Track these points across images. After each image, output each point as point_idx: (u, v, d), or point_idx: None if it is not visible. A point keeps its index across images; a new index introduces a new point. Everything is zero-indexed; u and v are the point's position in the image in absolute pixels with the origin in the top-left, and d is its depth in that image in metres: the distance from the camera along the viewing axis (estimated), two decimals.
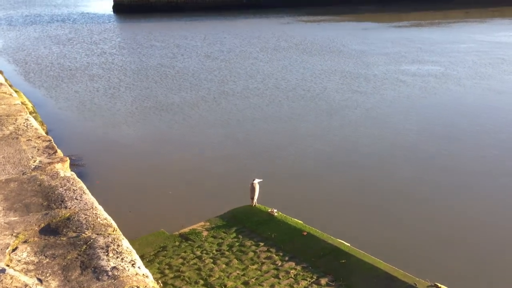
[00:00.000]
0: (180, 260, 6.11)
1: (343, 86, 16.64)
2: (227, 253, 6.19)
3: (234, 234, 6.62)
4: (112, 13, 39.60)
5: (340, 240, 6.41)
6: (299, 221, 6.85)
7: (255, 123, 13.54)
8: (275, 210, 7.05)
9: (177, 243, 6.52)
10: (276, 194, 8.85)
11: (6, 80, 10.43)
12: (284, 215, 6.98)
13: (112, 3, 40.43)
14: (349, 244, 6.36)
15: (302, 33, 27.41)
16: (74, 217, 3.72)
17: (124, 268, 3.11)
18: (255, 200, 7.17)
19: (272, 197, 8.17)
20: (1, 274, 3.03)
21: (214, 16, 35.08)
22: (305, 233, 6.48)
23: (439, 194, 9.34)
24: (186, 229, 6.86)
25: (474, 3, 35.40)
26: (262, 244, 6.35)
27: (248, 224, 6.81)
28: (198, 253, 6.24)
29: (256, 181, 7.20)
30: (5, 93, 7.33)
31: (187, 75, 19.07)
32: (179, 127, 13.50)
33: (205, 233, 6.68)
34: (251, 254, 6.14)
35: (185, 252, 6.29)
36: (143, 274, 3.12)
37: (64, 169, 4.68)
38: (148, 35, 28.88)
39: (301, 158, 11.18)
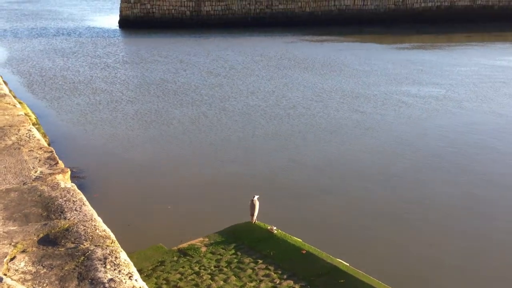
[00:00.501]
0: (178, 276, 6.07)
1: (343, 105, 16.71)
2: (225, 269, 6.16)
3: (233, 251, 6.59)
4: (117, 27, 39.94)
5: (339, 260, 6.38)
6: (299, 239, 6.83)
7: (255, 140, 13.57)
8: (275, 228, 7.03)
9: (175, 258, 6.48)
10: (276, 212, 8.83)
11: (10, 91, 10.51)
12: (284, 233, 6.96)
13: (118, 18, 40.80)
14: (348, 264, 6.32)
15: (305, 52, 27.61)
16: (73, 228, 3.72)
17: (121, 281, 3.10)
18: (255, 217, 7.16)
19: (271, 214, 8.15)
20: None
21: (219, 33, 35.36)
22: (304, 252, 6.45)
23: (439, 215, 9.31)
24: (185, 244, 6.83)
25: (477, 28, 35.67)
26: (260, 261, 6.31)
27: (247, 241, 6.78)
28: (196, 268, 6.20)
29: (256, 197, 7.19)
30: (9, 103, 7.37)
31: (189, 91, 19.17)
32: (179, 142, 13.53)
33: (203, 249, 6.65)
34: (249, 271, 6.11)
35: (183, 267, 6.25)
36: (140, 287, 3.10)
37: (64, 180, 4.68)
38: (152, 50, 29.11)
39: (301, 176, 11.17)
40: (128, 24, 39.21)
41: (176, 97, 18.23)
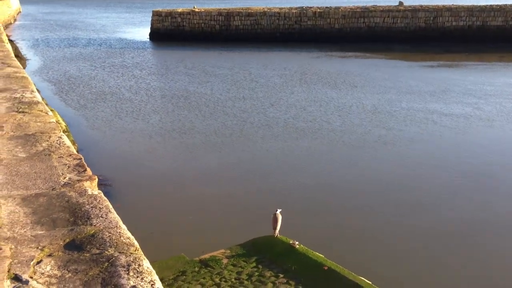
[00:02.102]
0: (199, 286, 6.09)
1: (364, 121, 16.57)
2: (246, 282, 6.14)
3: (254, 264, 6.57)
4: (148, 39, 40.67)
5: (361, 277, 6.29)
6: (321, 255, 6.77)
7: (277, 153, 13.55)
8: (297, 242, 6.99)
9: (196, 269, 6.50)
10: (298, 226, 8.78)
11: (42, 98, 10.79)
12: (306, 247, 6.91)
13: (149, 31, 41.58)
14: (370, 282, 6.23)
15: (329, 67, 27.58)
16: (98, 234, 3.77)
17: None
18: (277, 230, 7.14)
19: (294, 229, 8.11)
20: (24, 285, 3.08)
21: (246, 47, 35.64)
22: (326, 268, 6.38)
23: (465, 233, 9.10)
24: (206, 255, 6.85)
25: (510, 48, 35.00)
26: (281, 275, 6.27)
27: (269, 255, 6.76)
28: (217, 280, 6.20)
29: (279, 211, 7.18)
30: (41, 111, 7.55)
31: (211, 101, 19.37)
32: (201, 152, 13.62)
33: (225, 261, 6.65)
34: (270, 285, 6.07)
35: (204, 278, 6.26)
36: None
37: (92, 187, 4.75)
38: (178, 62, 29.53)
39: (323, 190, 11.09)
40: (159, 36, 39.89)
41: (198, 108, 18.41)
